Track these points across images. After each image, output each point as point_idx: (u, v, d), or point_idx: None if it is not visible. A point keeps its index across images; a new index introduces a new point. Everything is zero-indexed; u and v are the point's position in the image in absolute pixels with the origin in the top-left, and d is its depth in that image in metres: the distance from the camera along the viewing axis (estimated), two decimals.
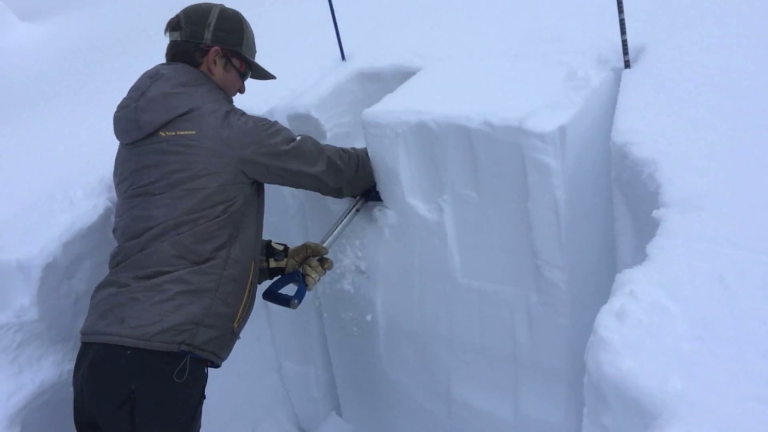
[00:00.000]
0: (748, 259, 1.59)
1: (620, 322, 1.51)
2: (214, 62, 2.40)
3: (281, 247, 2.68)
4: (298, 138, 2.39)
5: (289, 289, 2.56)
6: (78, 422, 2.17)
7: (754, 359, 1.36)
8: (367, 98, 3.01)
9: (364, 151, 2.70)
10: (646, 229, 1.89)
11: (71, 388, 2.38)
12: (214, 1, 2.49)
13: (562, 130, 2.23)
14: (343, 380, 3.45)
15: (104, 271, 2.42)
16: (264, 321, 3.47)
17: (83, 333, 2.16)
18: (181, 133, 2.20)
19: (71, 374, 2.45)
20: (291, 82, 3.12)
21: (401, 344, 3.04)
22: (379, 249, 2.91)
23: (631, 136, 2.12)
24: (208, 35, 2.38)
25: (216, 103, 2.30)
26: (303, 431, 3.69)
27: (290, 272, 2.61)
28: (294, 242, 3.13)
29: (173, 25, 2.42)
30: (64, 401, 2.46)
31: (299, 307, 2.52)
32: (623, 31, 2.45)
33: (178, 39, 2.41)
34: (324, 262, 2.63)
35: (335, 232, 2.73)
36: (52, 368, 2.49)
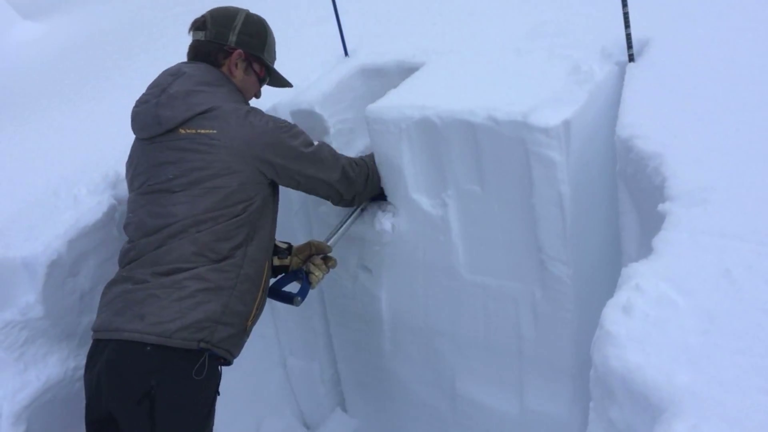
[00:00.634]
0: (755, 252, 1.59)
1: (627, 316, 1.51)
2: (236, 65, 2.44)
3: (285, 245, 2.68)
4: (316, 144, 2.42)
5: (293, 287, 2.57)
6: (90, 421, 2.15)
7: (761, 352, 1.35)
8: (371, 94, 3.01)
9: (372, 158, 2.72)
10: (652, 222, 1.88)
11: (77, 385, 2.39)
12: (239, 6, 2.53)
13: (566, 124, 2.23)
14: (348, 376, 3.45)
15: (109, 268, 2.43)
16: (269, 317, 3.47)
17: (97, 330, 2.15)
18: (202, 131, 2.21)
19: (77, 371, 2.46)
20: (294, 78, 3.10)
21: (406, 340, 3.04)
22: (383, 245, 2.90)
23: (636, 129, 2.11)
24: (233, 38, 2.42)
25: (237, 102, 2.34)
26: (308, 426, 3.70)
27: (294, 270, 2.61)
28: (298, 239, 3.13)
29: (198, 25, 2.45)
30: (69, 398, 2.46)
31: (303, 304, 2.52)
32: (627, 25, 2.44)
33: (203, 39, 2.43)
34: (328, 261, 2.63)
35: (340, 231, 2.73)
36: (57, 365, 2.49)
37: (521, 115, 2.27)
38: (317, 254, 2.62)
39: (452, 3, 3.59)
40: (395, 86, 2.78)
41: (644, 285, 1.57)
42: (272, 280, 2.63)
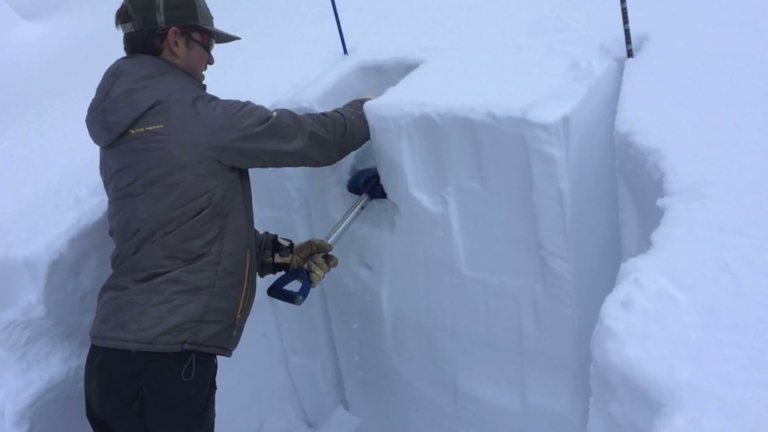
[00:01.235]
0: (754, 247, 1.59)
1: (626, 311, 1.51)
2: (176, 43, 2.31)
3: (287, 243, 2.68)
4: (274, 114, 2.29)
5: (294, 286, 2.57)
6: (90, 418, 2.18)
7: (761, 346, 1.35)
8: (370, 92, 3.01)
9: (354, 107, 2.60)
10: (651, 218, 1.88)
11: (79, 385, 2.40)
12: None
13: (565, 120, 2.23)
14: (350, 373, 3.45)
15: (110, 268, 2.43)
16: (270, 315, 3.47)
17: (91, 335, 2.17)
18: (150, 128, 2.13)
19: (79, 371, 2.48)
20: (294, 77, 3.12)
21: (407, 337, 3.04)
22: (384, 242, 2.91)
23: (635, 125, 2.11)
24: (161, 18, 2.27)
25: (182, 91, 2.20)
26: (310, 425, 3.70)
27: (295, 268, 2.61)
28: (298, 237, 3.14)
29: (122, 17, 2.30)
30: (72, 397, 2.47)
31: (303, 302, 2.52)
32: (626, 21, 2.45)
33: (132, 30, 2.29)
34: (329, 259, 2.62)
35: (340, 229, 2.73)
36: (59, 365, 2.50)
37: (520, 112, 2.28)
38: (318, 253, 2.62)
39: (451, 0, 3.59)
40: (394, 84, 2.78)
41: (643, 280, 1.57)
42: (273, 278, 2.63)
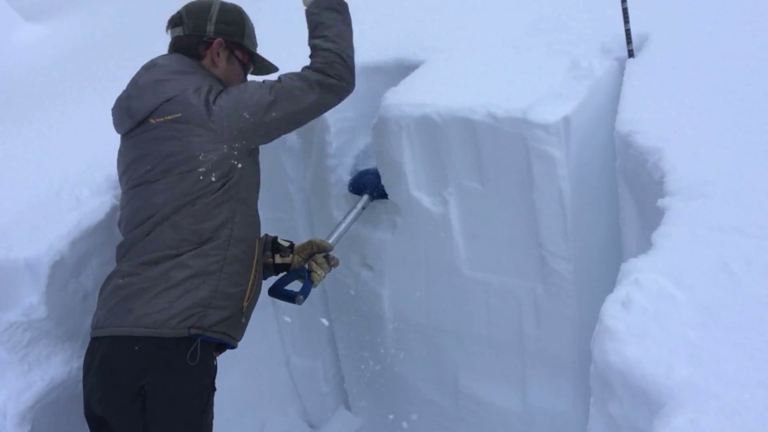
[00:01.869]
0: (753, 246, 1.59)
1: (626, 311, 1.51)
2: (218, 54, 2.42)
3: (287, 244, 2.68)
4: (278, 79, 2.30)
5: (295, 286, 2.57)
6: (88, 416, 2.18)
7: (760, 346, 1.36)
8: (371, 92, 3.01)
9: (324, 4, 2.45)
10: (651, 217, 1.88)
11: (80, 386, 2.40)
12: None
13: (566, 120, 2.23)
14: (351, 374, 3.45)
15: (112, 269, 2.44)
16: (272, 316, 3.48)
17: (93, 327, 2.17)
18: (169, 117, 2.19)
19: (80, 372, 2.46)
20: None
21: (408, 337, 3.04)
22: (385, 243, 2.91)
23: (636, 125, 2.12)
24: (210, 28, 2.40)
25: (200, 83, 2.26)
26: (311, 425, 3.70)
27: (296, 269, 2.61)
28: (300, 237, 3.14)
29: (175, 21, 2.44)
30: (73, 398, 2.47)
31: (304, 303, 2.52)
32: (626, 21, 2.45)
33: (181, 34, 2.42)
34: (330, 259, 2.63)
35: (341, 229, 2.73)
36: (61, 366, 2.50)
37: (521, 112, 2.28)
38: (319, 253, 2.62)
39: (451, 0, 3.59)
40: (395, 84, 2.78)
41: (643, 280, 1.57)
42: (274, 279, 2.63)
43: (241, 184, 2.24)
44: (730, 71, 2.25)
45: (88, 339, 2.20)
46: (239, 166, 2.23)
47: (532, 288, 2.54)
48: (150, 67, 2.34)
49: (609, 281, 1.81)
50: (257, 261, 2.32)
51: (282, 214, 3.18)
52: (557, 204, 2.33)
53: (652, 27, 2.60)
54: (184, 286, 2.08)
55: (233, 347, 2.25)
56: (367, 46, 3.27)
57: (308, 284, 2.54)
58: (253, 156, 2.34)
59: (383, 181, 2.76)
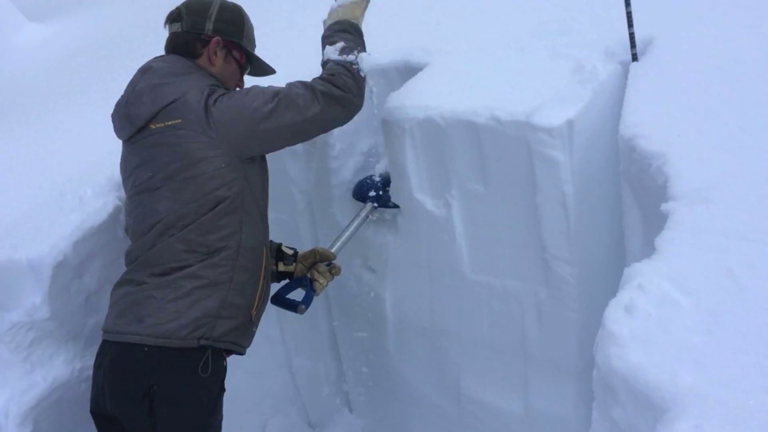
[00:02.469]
0: (758, 251, 1.59)
1: (629, 316, 1.51)
2: (215, 53, 2.38)
3: (291, 251, 2.68)
4: (283, 88, 2.27)
5: (297, 294, 2.58)
6: (95, 413, 2.19)
7: (765, 351, 1.35)
8: (374, 95, 3.01)
9: (338, 30, 2.46)
10: (655, 222, 1.88)
11: (83, 386, 2.41)
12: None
13: (569, 124, 2.23)
14: (353, 376, 3.45)
15: (115, 269, 2.44)
16: (274, 318, 3.48)
17: (105, 330, 2.18)
18: (169, 123, 2.16)
19: (83, 372, 2.48)
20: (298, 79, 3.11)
21: (411, 340, 3.04)
22: (387, 245, 2.91)
23: (639, 129, 2.11)
24: (209, 26, 2.36)
25: (200, 86, 2.23)
26: (313, 427, 3.70)
27: (298, 277, 2.61)
28: (302, 239, 3.14)
29: (174, 17, 2.41)
30: (76, 399, 2.47)
31: (306, 312, 2.53)
32: (630, 24, 2.44)
33: (179, 30, 2.38)
34: (332, 268, 2.63)
35: (344, 237, 2.73)
36: (63, 366, 2.50)
37: (524, 115, 2.28)
38: (322, 261, 2.62)
39: (455, 2, 3.59)
40: (399, 87, 2.78)
41: (647, 284, 1.57)
42: (276, 287, 2.64)
43: (246, 193, 2.22)
44: (734, 75, 2.24)
45: (91, 339, 2.22)
46: (242, 174, 2.20)
47: (535, 291, 2.54)
48: (146, 70, 2.31)
49: (612, 285, 1.81)
50: (265, 269, 2.33)
51: (285, 216, 3.18)
52: (560, 207, 2.32)
53: (656, 31, 2.59)
54: (194, 296, 2.09)
55: (242, 353, 2.26)
56: (371, 49, 3.27)
57: (310, 293, 2.54)
58: (258, 165, 2.32)
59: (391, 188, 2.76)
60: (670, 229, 1.73)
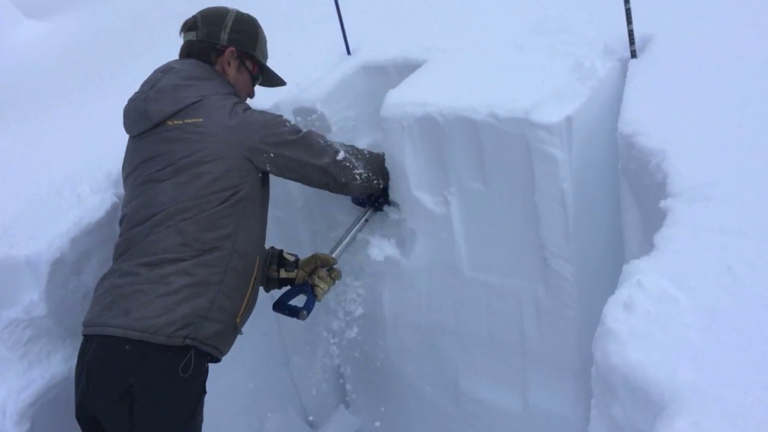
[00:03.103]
0: (757, 249, 1.58)
1: (628, 313, 1.51)
2: (229, 63, 2.47)
3: (293, 258, 2.69)
4: (305, 131, 2.41)
5: (299, 300, 2.58)
6: (79, 419, 2.14)
7: (763, 349, 1.35)
8: (373, 92, 3.01)
9: (379, 154, 2.71)
10: (654, 219, 1.88)
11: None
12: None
13: (568, 121, 2.22)
14: (351, 374, 3.45)
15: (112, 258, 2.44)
16: (272, 315, 3.47)
17: (86, 325, 2.14)
18: (189, 120, 2.23)
19: None
20: (296, 76, 3.11)
21: (409, 338, 3.04)
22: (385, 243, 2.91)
23: (638, 126, 2.11)
24: (224, 36, 2.45)
25: (224, 93, 2.35)
26: (311, 424, 3.70)
27: (300, 283, 2.62)
28: (300, 236, 3.14)
29: (189, 26, 2.49)
30: (73, 396, 2.47)
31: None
32: (629, 21, 2.44)
33: (194, 39, 2.47)
34: (332, 272, 2.64)
35: (344, 242, 2.75)
36: (61, 364, 2.50)
37: (523, 112, 2.27)
38: (322, 267, 2.63)
39: (454, 0, 3.58)
40: (397, 84, 2.77)
41: (645, 281, 1.56)
42: (278, 294, 2.64)
43: (249, 200, 2.27)
44: (733, 73, 2.24)
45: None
46: (249, 183, 2.27)
47: (534, 289, 2.54)
48: (167, 71, 2.37)
49: (611, 283, 1.81)
50: (255, 278, 2.33)
51: (283, 214, 3.18)
52: (559, 205, 2.32)
53: (655, 28, 2.59)
54: (184, 293, 2.07)
55: (217, 361, 2.23)
56: (370, 45, 3.27)
57: (312, 299, 2.56)
58: (263, 180, 2.39)
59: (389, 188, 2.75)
60: (669, 227, 1.73)
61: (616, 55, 2.54)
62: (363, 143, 3.07)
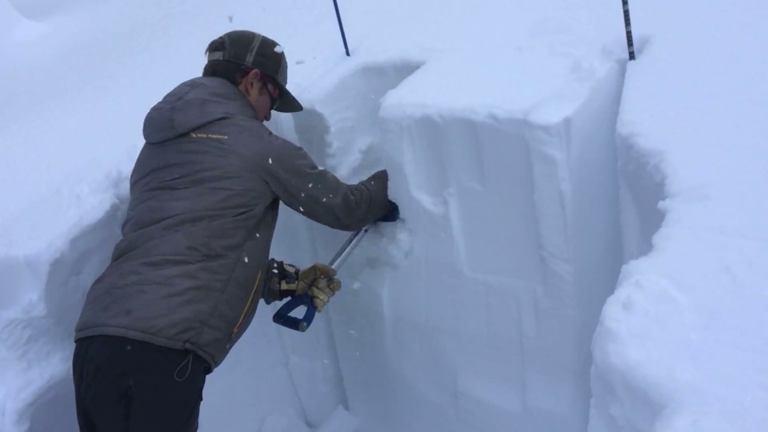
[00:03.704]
0: (755, 248, 1.59)
1: (627, 313, 1.51)
2: (252, 84, 2.56)
3: (293, 270, 2.71)
4: (320, 168, 2.50)
5: (299, 311, 2.59)
6: (80, 419, 2.13)
7: (762, 348, 1.36)
8: (372, 93, 3.01)
9: (378, 181, 2.75)
10: (652, 219, 1.88)
11: None
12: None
13: (567, 122, 2.23)
14: (350, 374, 3.45)
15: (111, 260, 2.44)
16: (271, 315, 3.47)
17: (80, 328, 2.11)
18: (213, 136, 2.29)
19: None
20: (295, 77, 3.12)
21: (408, 338, 3.04)
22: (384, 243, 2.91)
23: (637, 127, 2.11)
24: (250, 58, 2.56)
25: (248, 116, 2.46)
26: (310, 425, 3.70)
27: (300, 294, 2.63)
28: (299, 236, 3.14)
29: (216, 46, 2.59)
30: (72, 396, 2.47)
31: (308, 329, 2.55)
32: (628, 22, 2.44)
33: (220, 58, 2.56)
34: (331, 283, 2.65)
35: (344, 253, 2.76)
36: (60, 364, 2.50)
37: (522, 113, 2.28)
38: (322, 278, 2.64)
39: (453, 1, 3.59)
40: (396, 85, 2.78)
41: (644, 281, 1.57)
42: (279, 305, 2.65)
43: (260, 219, 2.32)
44: (731, 73, 2.24)
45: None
46: (261, 203, 2.32)
47: (533, 289, 2.54)
48: (195, 85, 2.44)
49: (609, 283, 1.81)
50: (256, 291, 2.34)
51: (281, 214, 3.17)
52: (558, 205, 2.33)
53: (653, 29, 2.60)
54: (187, 296, 2.07)
55: (209, 371, 2.20)
56: (369, 46, 3.28)
57: (312, 310, 2.58)
58: (274, 203, 2.43)
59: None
60: (668, 227, 1.74)
61: (614, 56, 2.54)
62: (362, 144, 3.08)
